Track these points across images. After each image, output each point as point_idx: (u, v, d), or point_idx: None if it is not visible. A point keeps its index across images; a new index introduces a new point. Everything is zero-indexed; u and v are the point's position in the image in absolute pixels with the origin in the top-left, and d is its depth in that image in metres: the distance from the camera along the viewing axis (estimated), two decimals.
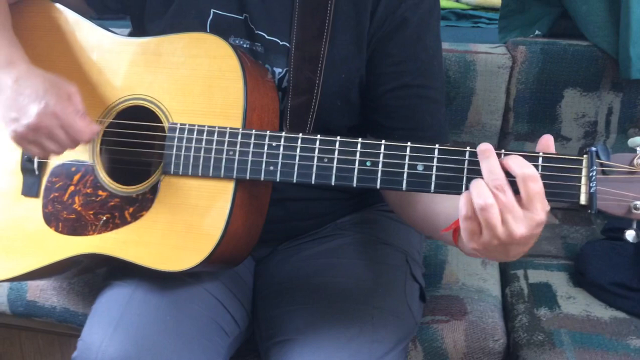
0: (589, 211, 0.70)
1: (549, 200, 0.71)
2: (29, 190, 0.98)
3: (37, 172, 0.98)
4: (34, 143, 0.88)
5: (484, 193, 0.69)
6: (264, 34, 0.96)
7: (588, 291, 1.20)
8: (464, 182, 0.75)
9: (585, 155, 0.71)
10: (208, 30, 0.96)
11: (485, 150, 0.71)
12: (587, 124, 1.44)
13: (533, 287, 1.22)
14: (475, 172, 0.74)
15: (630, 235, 0.70)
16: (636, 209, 0.68)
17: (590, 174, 0.70)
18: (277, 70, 0.96)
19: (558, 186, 0.71)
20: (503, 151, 0.73)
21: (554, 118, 1.44)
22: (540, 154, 0.72)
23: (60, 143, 0.88)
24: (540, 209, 0.70)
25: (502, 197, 0.69)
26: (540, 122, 1.45)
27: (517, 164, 0.70)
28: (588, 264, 1.21)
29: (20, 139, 0.87)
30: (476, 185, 0.71)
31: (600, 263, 1.20)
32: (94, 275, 1.18)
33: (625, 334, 1.09)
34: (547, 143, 0.73)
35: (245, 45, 0.97)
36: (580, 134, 1.45)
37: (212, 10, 0.96)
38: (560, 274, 1.25)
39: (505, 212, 0.69)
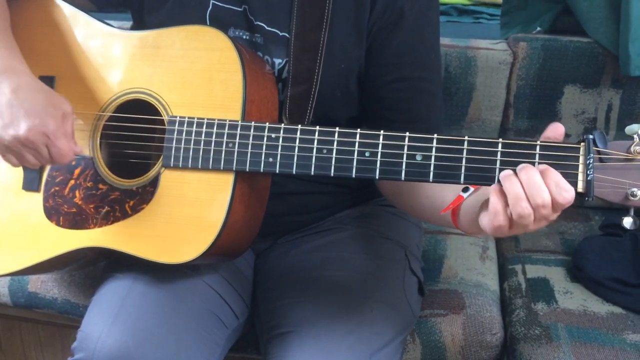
0: (587, 198, 0.70)
1: None
2: (30, 184, 0.98)
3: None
4: (14, 153, 0.87)
5: (523, 205, 0.68)
6: (263, 25, 0.96)
7: (585, 286, 1.20)
8: (462, 171, 0.75)
9: (582, 143, 0.71)
10: (207, 22, 0.96)
11: (524, 166, 0.71)
12: (586, 121, 1.44)
13: (531, 282, 1.22)
14: (473, 161, 0.75)
15: (627, 222, 0.70)
16: (633, 195, 0.68)
17: (588, 162, 0.70)
18: (277, 61, 0.96)
19: None
20: (500, 140, 0.73)
21: (554, 114, 1.44)
22: (538, 142, 0.72)
23: (40, 160, 0.88)
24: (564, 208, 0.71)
25: (544, 212, 0.69)
26: (540, 118, 1.45)
27: (556, 188, 0.68)
28: (586, 259, 1.21)
29: (2, 145, 0.86)
30: (513, 193, 0.69)
31: (598, 258, 1.20)
32: (95, 267, 1.18)
33: (622, 328, 1.09)
34: (557, 130, 0.73)
35: (245, 37, 0.97)
36: (579, 130, 1.45)
37: (211, 1, 0.96)
38: (558, 269, 1.25)
39: (542, 219, 0.70)
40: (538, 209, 0.68)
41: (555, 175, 0.69)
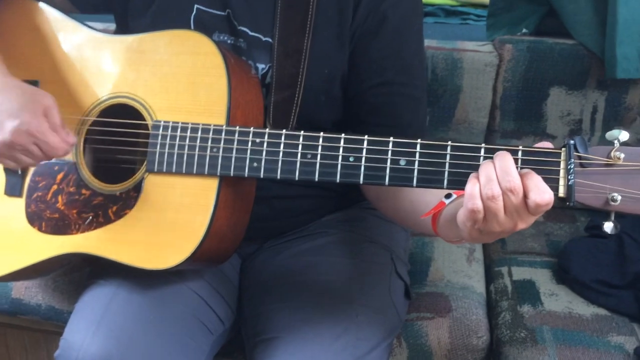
0: (568, 203, 0.71)
1: None
2: (12, 190, 0.97)
3: (19, 172, 0.97)
4: (7, 157, 0.87)
5: (493, 186, 0.69)
6: (247, 30, 0.96)
7: (571, 288, 1.20)
8: (446, 176, 0.76)
9: (563, 148, 0.72)
10: (192, 26, 0.96)
11: (501, 153, 0.71)
12: (572, 122, 1.45)
13: (517, 284, 1.22)
14: (457, 166, 0.75)
15: (608, 227, 0.71)
16: (613, 200, 0.69)
17: (569, 167, 0.70)
18: (261, 66, 0.96)
19: None
20: (483, 145, 0.74)
21: (539, 116, 1.45)
22: (520, 147, 0.73)
23: (34, 158, 0.87)
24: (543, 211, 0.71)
25: (513, 199, 0.69)
26: (526, 120, 1.45)
27: (535, 189, 0.68)
28: (571, 261, 1.21)
29: None
30: (485, 173, 0.70)
31: (584, 260, 1.21)
32: (81, 273, 1.17)
33: (607, 330, 1.10)
34: (545, 145, 0.73)
35: (229, 42, 0.96)
36: (565, 132, 1.46)
37: (195, 5, 0.96)
38: (544, 271, 1.26)
39: (512, 210, 0.70)
40: (507, 193, 0.69)
41: (535, 178, 0.70)
